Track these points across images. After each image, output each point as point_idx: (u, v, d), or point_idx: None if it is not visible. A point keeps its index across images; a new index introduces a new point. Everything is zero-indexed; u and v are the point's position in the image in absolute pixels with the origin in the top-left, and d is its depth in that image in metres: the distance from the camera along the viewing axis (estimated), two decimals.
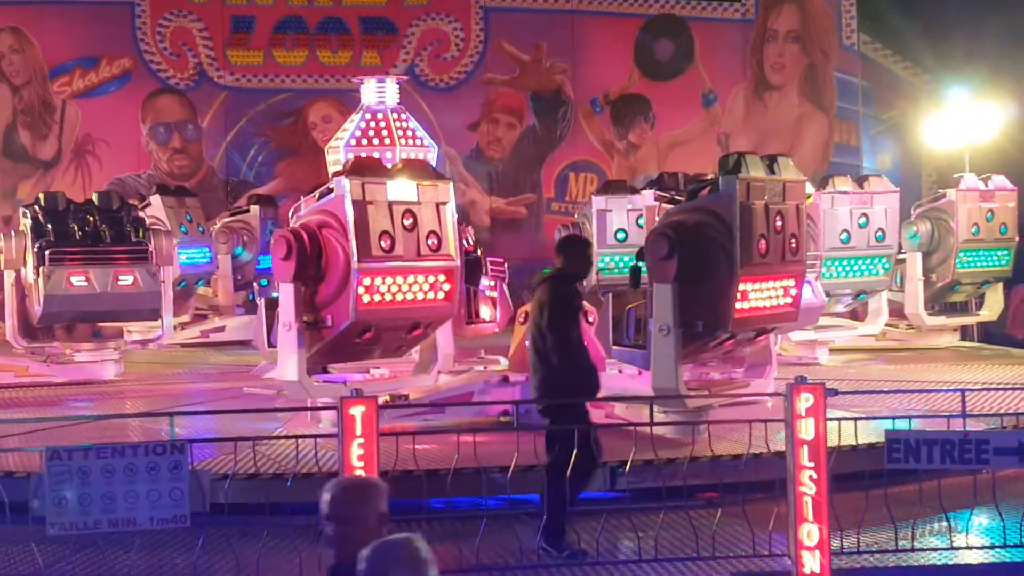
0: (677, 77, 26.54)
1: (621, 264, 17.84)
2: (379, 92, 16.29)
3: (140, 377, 16.90)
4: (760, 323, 11.62)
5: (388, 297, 11.37)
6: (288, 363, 11.35)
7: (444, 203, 11.76)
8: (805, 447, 8.41)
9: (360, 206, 11.15)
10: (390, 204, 11.34)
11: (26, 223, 15.75)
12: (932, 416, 11.01)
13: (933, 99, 24.99)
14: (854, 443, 9.64)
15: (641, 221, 18.04)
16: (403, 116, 16.31)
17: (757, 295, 11.28)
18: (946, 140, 22.81)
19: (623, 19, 26.47)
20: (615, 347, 11.96)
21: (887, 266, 17.28)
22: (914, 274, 17.94)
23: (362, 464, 8.16)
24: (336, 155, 16.10)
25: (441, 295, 11.76)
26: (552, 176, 25.74)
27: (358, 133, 15.91)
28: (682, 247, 10.79)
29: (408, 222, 11.40)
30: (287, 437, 10.38)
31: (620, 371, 12.70)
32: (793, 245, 11.49)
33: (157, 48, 25.07)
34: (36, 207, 15.85)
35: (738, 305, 11.02)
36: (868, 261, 17.12)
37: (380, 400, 10.88)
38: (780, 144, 25.85)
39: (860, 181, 17.61)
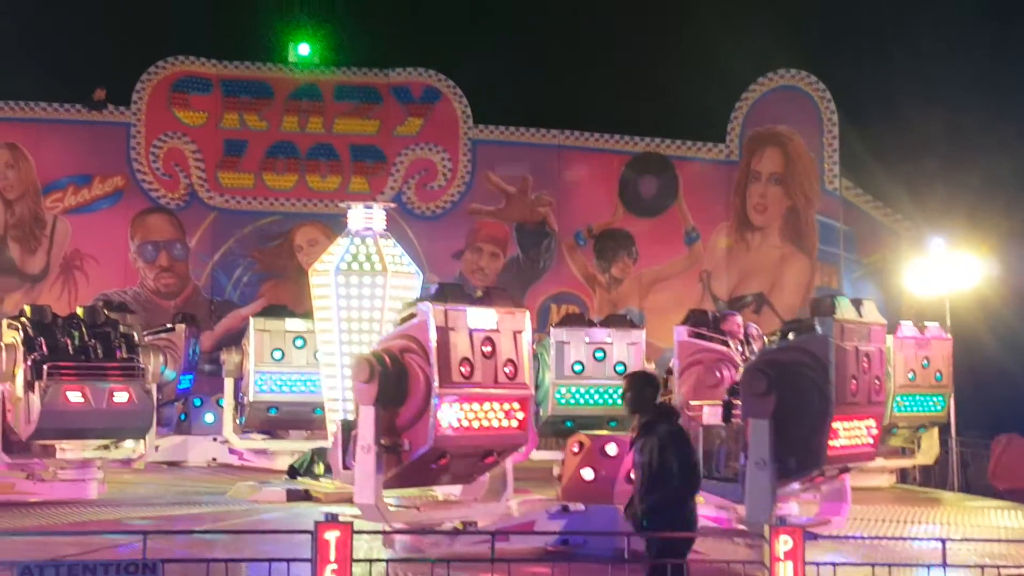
0: (661, 214, 26.89)
1: (578, 396, 18.09)
2: (366, 218, 16.52)
3: (123, 499, 16.62)
4: (845, 460, 11.97)
5: (465, 423, 11.50)
6: (365, 486, 11.40)
7: (521, 331, 11.97)
8: None
9: (443, 332, 11.34)
10: (471, 331, 11.53)
11: (15, 336, 15.45)
12: (912, 565, 10.96)
13: (914, 246, 25.28)
14: None
15: (599, 354, 18.37)
16: (390, 242, 16.54)
17: (846, 433, 11.66)
18: (927, 286, 23.05)
19: (608, 155, 26.91)
20: (706, 480, 12.00)
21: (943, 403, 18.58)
22: None
23: None
24: (324, 278, 16.28)
25: (515, 423, 11.90)
26: (534, 307, 25.93)
27: (348, 257, 16.08)
28: (780, 385, 11.15)
29: (487, 349, 11.60)
30: (259, 560, 10.31)
31: None
32: (876, 385, 11.95)
33: (150, 168, 25.37)
34: (24, 320, 15.64)
35: (830, 443, 11.39)
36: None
37: (451, 526, 11.12)
38: (761, 284, 26.21)
39: (920, 327, 18.61)
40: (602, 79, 26.04)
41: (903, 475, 20.34)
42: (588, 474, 12.76)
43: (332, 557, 8.22)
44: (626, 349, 18.90)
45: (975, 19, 24.56)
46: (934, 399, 18.81)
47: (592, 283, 26.43)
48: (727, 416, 11.57)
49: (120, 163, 25.35)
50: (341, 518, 8.67)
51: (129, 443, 16.26)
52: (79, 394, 15.07)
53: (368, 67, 26.39)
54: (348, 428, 12.19)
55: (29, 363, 15.12)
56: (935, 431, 19.27)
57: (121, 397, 15.33)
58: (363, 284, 16.18)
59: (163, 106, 25.56)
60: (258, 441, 20.36)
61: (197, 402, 21.16)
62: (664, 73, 25.27)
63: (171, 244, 25.43)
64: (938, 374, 18.69)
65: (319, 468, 17.83)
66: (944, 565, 9.31)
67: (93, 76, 25.29)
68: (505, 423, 11.79)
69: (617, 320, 20.29)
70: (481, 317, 11.71)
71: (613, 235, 26.69)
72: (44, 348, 15.24)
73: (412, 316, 11.61)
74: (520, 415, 11.88)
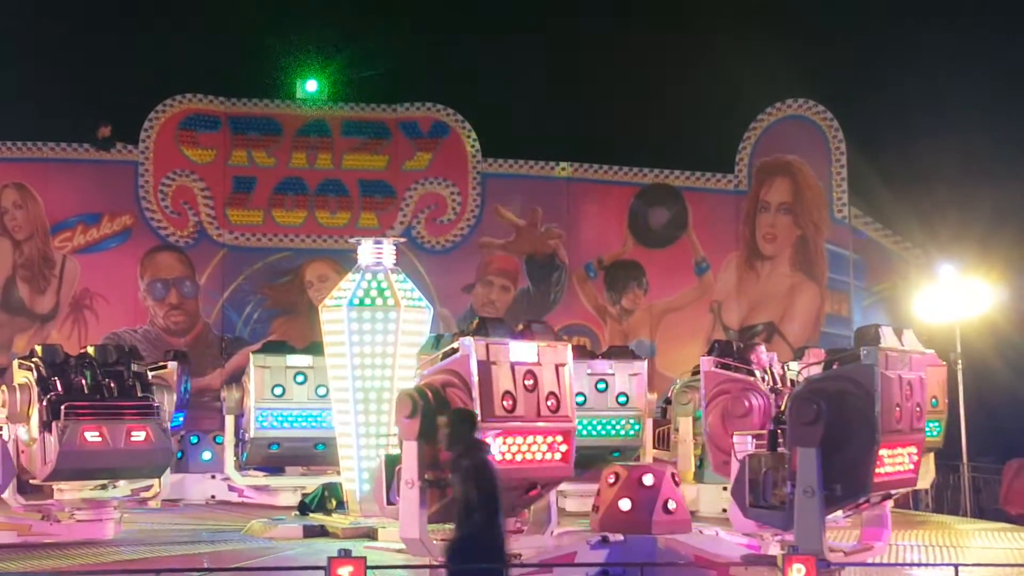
0: (670, 245, 26.88)
1: (581, 427, 18.06)
2: (376, 253, 16.52)
3: (139, 539, 16.50)
4: (888, 487, 12.15)
5: (508, 456, 11.61)
6: (410, 521, 11.50)
7: (563, 364, 12.07)
8: None
9: (484, 366, 11.46)
10: (512, 365, 11.63)
11: (29, 376, 15.29)
12: None
13: (924, 273, 25.25)
14: None
15: (601, 385, 18.40)
16: (400, 277, 16.53)
17: (890, 460, 11.85)
18: (937, 314, 22.98)
19: (618, 187, 26.92)
20: (752, 508, 12.28)
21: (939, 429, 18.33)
22: None
23: None
24: (336, 314, 16.26)
25: (559, 456, 12.01)
26: None
27: (360, 293, 16.09)
28: (827, 413, 11.37)
29: (529, 383, 11.71)
30: None
31: (701, 532, 13.31)
32: (918, 412, 12.17)
33: (158, 206, 25.41)
34: (37, 360, 15.53)
35: (877, 471, 11.59)
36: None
37: None
38: (772, 313, 26.15)
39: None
40: (610, 111, 26.08)
41: (915, 501, 20.20)
42: (625, 504, 12.83)
43: None
44: (628, 380, 18.93)
45: (984, 46, 24.58)
46: (930, 424, 18.70)
47: (603, 315, 26.39)
48: (772, 444, 11.80)
49: (129, 202, 25.39)
50: (355, 553, 8.64)
51: (123, 482, 15.97)
52: (97, 434, 14.84)
53: (376, 103, 26.46)
54: (391, 463, 12.27)
55: (45, 403, 14.96)
56: (931, 456, 19.13)
57: (139, 436, 15.11)
58: (376, 319, 16.19)
59: (171, 144, 25.62)
60: (261, 478, 20.21)
61: (194, 439, 21.06)
62: (672, 104, 25.32)
63: (181, 282, 25.44)
64: (934, 399, 18.60)
65: (331, 503, 17.80)
66: None
67: (100, 115, 25.36)
68: (548, 456, 11.92)
69: (619, 352, 20.30)
70: (523, 351, 11.85)
71: (623, 267, 26.68)
72: (59, 388, 15.11)
73: (454, 351, 11.73)
74: (563, 448, 12.02)
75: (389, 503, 12.35)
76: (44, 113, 24.76)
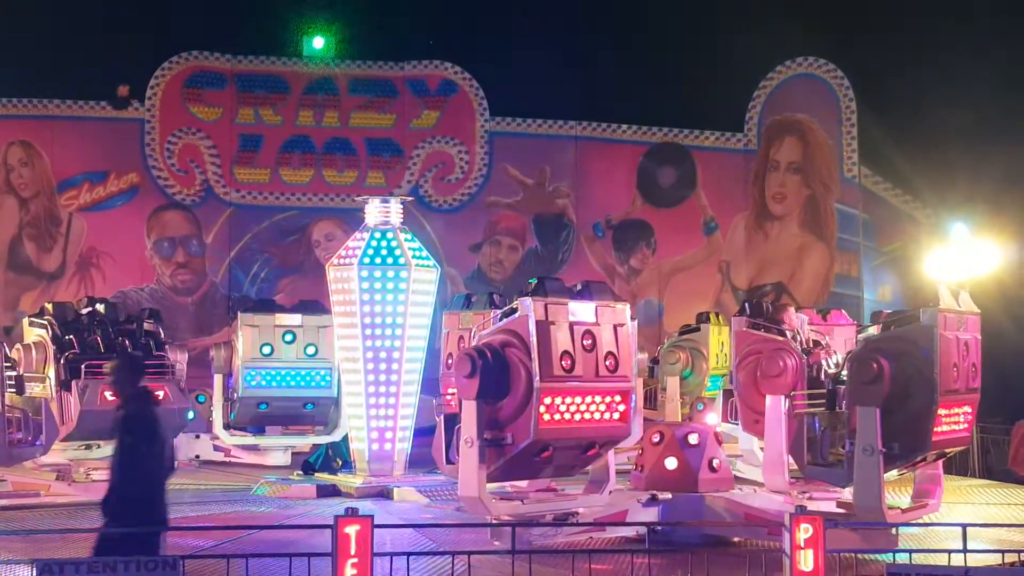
0: (679, 204, 26.78)
1: None
2: (383, 212, 16.45)
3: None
4: (944, 446, 12.30)
5: (567, 416, 11.67)
6: (469, 479, 11.55)
7: (622, 324, 12.11)
8: None
9: (543, 326, 11.47)
10: (571, 325, 11.65)
11: (43, 334, 15.05)
12: (933, 551, 10.89)
13: (935, 233, 25.14)
14: None
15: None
16: (408, 236, 16.46)
17: (947, 420, 12.04)
18: (948, 273, 22.88)
19: (626, 146, 26.80)
20: (810, 466, 12.63)
21: None
22: None
23: None
24: (346, 272, 16.19)
25: (617, 415, 12.09)
26: None
27: (370, 252, 16.05)
28: (888, 373, 11.59)
29: (587, 343, 11.75)
30: (280, 555, 10.24)
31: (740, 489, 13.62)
32: (973, 372, 12.30)
33: (165, 164, 25.32)
34: (49, 318, 15.31)
35: (934, 429, 11.79)
36: None
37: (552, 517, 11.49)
38: (781, 273, 26.06)
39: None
40: (619, 69, 25.90)
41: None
42: (671, 463, 12.98)
43: (353, 551, 8.20)
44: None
45: (995, 4, 24.38)
46: None
47: (611, 274, 26.29)
48: (831, 404, 12.07)
49: (135, 160, 25.31)
50: (362, 509, 8.56)
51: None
52: None
53: (383, 60, 26.29)
54: (450, 422, 12.34)
55: (62, 361, 14.78)
56: None
57: (157, 395, 14.93)
58: (387, 278, 16.14)
59: (177, 102, 25.50)
60: (250, 438, 19.99)
61: (201, 398, 20.92)
62: (681, 63, 25.11)
63: (188, 240, 25.38)
64: None
65: (336, 462, 17.80)
66: (965, 551, 9.27)
67: (106, 73, 25.22)
68: (607, 416, 11.98)
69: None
70: (581, 311, 11.86)
71: (632, 226, 26.59)
72: (75, 346, 14.91)
73: (512, 311, 11.75)
74: (622, 407, 12.09)
75: (448, 462, 12.45)
76: (49, 70, 24.62)
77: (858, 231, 26.89)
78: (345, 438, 17.79)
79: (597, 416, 11.89)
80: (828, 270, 26.68)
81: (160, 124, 25.36)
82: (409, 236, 16.60)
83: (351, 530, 8.27)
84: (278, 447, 19.85)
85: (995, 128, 23.55)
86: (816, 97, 26.71)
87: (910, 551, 9.01)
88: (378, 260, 16.08)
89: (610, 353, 11.90)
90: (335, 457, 17.90)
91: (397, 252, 16.11)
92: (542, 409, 11.43)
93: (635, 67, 25.65)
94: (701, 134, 26.96)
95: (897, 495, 13.88)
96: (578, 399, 11.71)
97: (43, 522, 13.77)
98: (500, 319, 11.92)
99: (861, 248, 27.04)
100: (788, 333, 15.21)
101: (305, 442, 19.60)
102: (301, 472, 17.63)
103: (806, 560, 8.39)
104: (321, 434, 19.23)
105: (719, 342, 19.77)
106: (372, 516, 8.57)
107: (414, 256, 16.26)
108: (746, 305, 16.10)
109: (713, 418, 17.72)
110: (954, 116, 23.31)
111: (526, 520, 12.02)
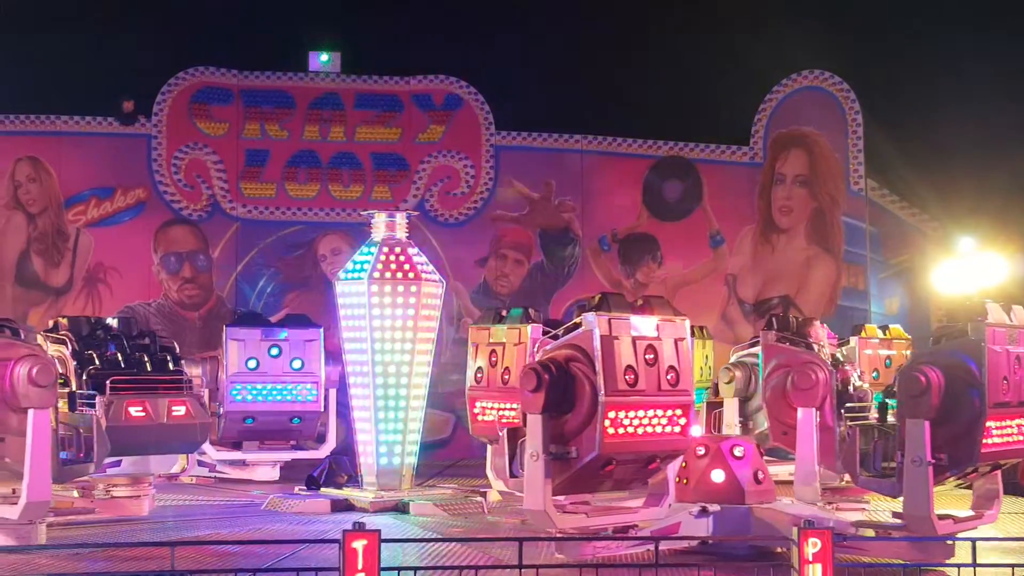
0: (685, 218, 26.76)
1: None
2: (389, 226, 16.50)
3: (177, 512, 16.29)
4: (997, 457, 12.47)
5: (631, 430, 11.87)
6: (535, 493, 11.68)
7: (682, 339, 12.30)
8: None
9: (607, 341, 11.66)
10: (634, 339, 11.85)
11: (62, 349, 14.81)
12: (943, 565, 10.90)
13: (941, 246, 25.14)
14: None
15: None
16: (414, 250, 16.49)
17: (998, 432, 12.20)
18: (954, 286, 22.88)
19: (632, 159, 26.79)
20: (863, 476, 12.84)
21: None
22: None
23: None
24: (356, 286, 16.21)
25: (678, 429, 12.29)
26: (559, 313, 25.79)
27: (379, 266, 16.08)
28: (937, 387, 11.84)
29: (650, 357, 11.96)
30: (287, 570, 10.26)
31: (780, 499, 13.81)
32: None
33: (172, 180, 25.36)
34: (66, 333, 15.08)
35: (984, 441, 11.99)
36: None
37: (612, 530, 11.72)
38: (787, 286, 26.06)
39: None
40: (624, 83, 25.93)
41: None
42: (719, 476, 13.11)
43: (360, 566, 8.20)
44: None
45: (1001, 15, 24.40)
46: None
47: (617, 288, 26.22)
48: (883, 416, 12.55)
49: (142, 175, 25.34)
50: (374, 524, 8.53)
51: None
52: (140, 409, 14.42)
53: (389, 75, 26.32)
54: (514, 436, 12.43)
55: (85, 377, 14.60)
56: None
57: (179, 410, 14.76)
58: (396, 292, 16.17)
59: (184, 117, 25.53)
60: (238, 454, 19.89)
61: None
62: (686, 76, 25.16)
63: (194, 255, 25.40)
64: None
65: (342, 477, 17.75)
66: (974, 565, 9.25)
67: (113, 89, 25.29)
68: (668, 429, 12.18)
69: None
70: (643, 325, 12.07)
71: (638, 240, 26.58)
72: (96, 361, 14.80)
73: (576, 326, 11.94)
74: (682, 421, 12.30)
75: (512, 475, 12.54)
76: (56, 86, 24.68)
77: (865, 244, 26.87)
78: (350, 452, 17.78)
79: (659, 430, 12.11)
80: (835, 283, 26.64)
81: (167, 140, 25.40)
82: (416, 251, 16.64)
83: (358, 544, 8.27)
84: (267, 462, 19.77)
85: (1002, 141, 23.57)
86: (822, 110, 26.69)
87: (919, 565, 8.99)
88: (387, 275, 16.11)
89: (671, 367, 12.13)
90: (339, 472, 17.87)
91: (406, 266, 16.16)
92: (607, 423, 11.63)
93: (640, 81, 25.69)
94: (707, 147, 26.95)
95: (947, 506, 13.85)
96: (641, 413, 11.92)
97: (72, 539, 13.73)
98: (563, 334, 12.10)
99: (868, 261, 27.02)
100: (815, 347, 15.43)
101: (292, 456, 19.60)
102: (304, 487, 17.61)
103: (815, 574, 8.39)
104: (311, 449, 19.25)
105: (703, 355, 19.82)
106: (379, 531, 8.57)
107: (421, 270, 16.31)
108: (772, 319, 16.27)
109: (697, 430, 17.73)
110: (961, 129, 23.34)
111: (587, 535, 12.15)
